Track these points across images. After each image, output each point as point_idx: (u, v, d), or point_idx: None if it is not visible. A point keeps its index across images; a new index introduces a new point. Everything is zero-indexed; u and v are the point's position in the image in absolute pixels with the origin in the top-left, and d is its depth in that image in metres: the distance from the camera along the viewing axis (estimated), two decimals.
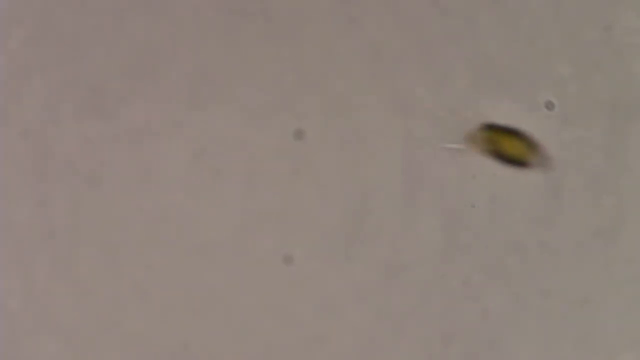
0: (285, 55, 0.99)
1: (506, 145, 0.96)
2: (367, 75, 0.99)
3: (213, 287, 0.98)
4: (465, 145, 0.96)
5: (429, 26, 0.99)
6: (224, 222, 0.98)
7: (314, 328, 0.98)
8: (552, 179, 0.97)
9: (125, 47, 1.00)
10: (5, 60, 1.00)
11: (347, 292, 0.98)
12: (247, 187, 0.98)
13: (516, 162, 0.96)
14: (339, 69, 0.99)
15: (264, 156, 0.98)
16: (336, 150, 0.98)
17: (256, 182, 0.98)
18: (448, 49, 0.99)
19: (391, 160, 0.98)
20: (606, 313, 0.97)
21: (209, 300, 0.98)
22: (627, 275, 0.97)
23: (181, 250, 0.98)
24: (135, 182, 0.99)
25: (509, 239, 0.97)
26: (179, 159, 0.99)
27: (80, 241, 0.98)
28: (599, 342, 0.97)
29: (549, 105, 0.97)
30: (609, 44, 0.98)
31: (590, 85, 0.98)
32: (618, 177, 0.97)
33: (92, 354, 0.98)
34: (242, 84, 0.99)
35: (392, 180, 0.98)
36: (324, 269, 0.98)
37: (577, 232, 0.97)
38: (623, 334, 0.97)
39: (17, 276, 0.98)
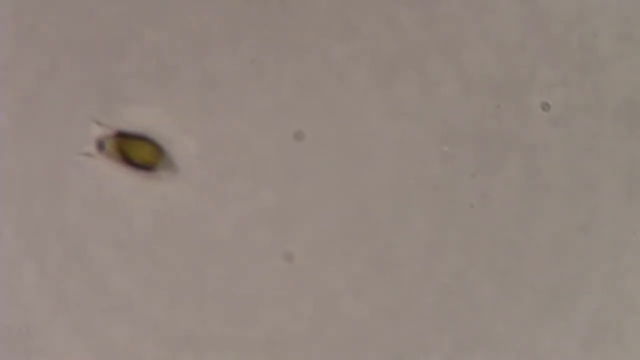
0: (286, 61, 1.00)
1: (134, 151, 0.97)
2: (363, 80, 1.00)
3: (216, 282, 0.99)
4: (96, 152, 0.97)
5: (422, 34, 1.00)
6: (227, 221, 0.99)
7: (313, 321, 0.99)
8: (541, 179, 0.99)
9: (135, 54, 1.00)
10: (18, 68, 1.01)
11: (345, 287, 0.99)
12: (249, 187, 0.99)
13: (144, 167, 0.97)
14: (336, 74, 1.00)
15: (266, 156, 0.99)
16: (334, 150, 0.99)
17: (258, 182, 0.99)
18: (440, 55, 1.00)
19: (387, 161, 0.99)
20: (591, 307, 0.99)
21: (212, 295, 0.99)
22: (609, 269, 0.99)
23: (186, 246, 0.99)
24: (143, 182, 0.99)
25: (500, 236, 0.99)
26: (185, 159, 0.99)
27: (91, 238, 0.99)
28: (586, 335, 0.99)
29: (545, 107, 0.99)
30: (594, 50, 1.00)
31: (576, 90, 0.99)
32: (602, 176, 0.99)
33: (102, 344, 0.99)
34: (245, 89, 1.00)
35: (388, 180, 0.99)
36: (323, 266, 0.99)
37: (564, 228, 0.99)
38: (608, 327, 0.99)
39: (31, 271, 0.99)
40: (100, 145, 0.97)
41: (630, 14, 1.00)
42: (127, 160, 0.97)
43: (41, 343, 0.99)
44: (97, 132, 0.98)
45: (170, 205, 0.99)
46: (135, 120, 0.99)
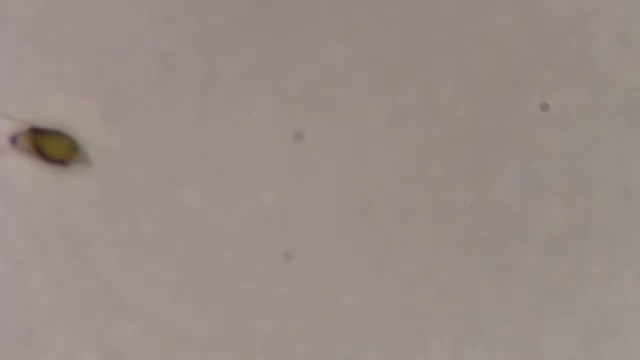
0: (287, 63, 1.00)
1: (49, 146, 0.96)
2: (363, 81, 1.00)
3: (216, 282, 0.99)
4: (9, 146, 0.97)
5: (421, 35, 1.01)
6: (228, 220, 0.99)
7: (313, 320, 0.99)
8: (539, 179, 1.00)
9: (138, 57, 1.01)
10: (23, 68, 1.01)
11: (345, 287, 0.99)
12: (250, 187, 1.00)
13: (58, 162, 0.97)
14: (336, 75, 1.00)
15: (266, 157, 1.00)
16: (334, 151, 1.00)
17: (258, 182, 1.00)
18: (439, 56, 1.01)
19: (387, 161, 1.00)
20: (590, 305, 0.99)
21: (212, 294, 0.99)
22: (607, 268, 1.00)
23: (187, 246, 0.99)
24: (146, 182, 1.00)
25: (499, 236, 0.99)
26: (187, 160, 1.00)
27: (94, 237, 0.99)
28: (584, 333, 0.99)
29: (544, 107, 0.99)
30: (592, 51, 1.01)
31: (574, 90, 1.00)
32: (600, 176, 1.00)
33: (104, 342, 0.99)
34: (246, 90, 1.00)
35: (387, 180, 1.00)
36: (322, 265, 0.99)
37: (562, 228, 1.00)
38: (606, 326, 0.99)
39: (35, 272, 0.99)
40: (14, 141, 0.96)
41: (628, 15, 1.00)
42: (42, 155, 0.96)
43: (43, 343, 0.99)
44: (9, 127, 0.97)
45: (171, 205, 0.99)
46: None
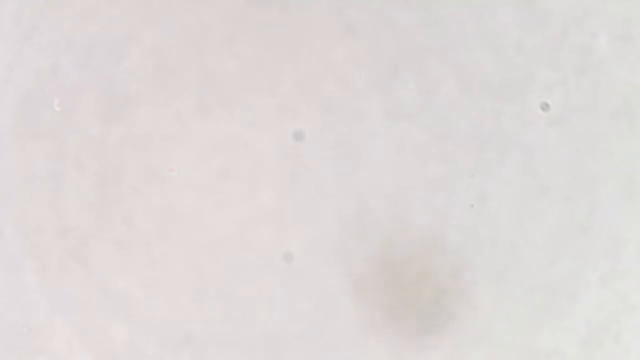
0: (286, 61, 1.01)
1: None
2: (362, 80, 1.01)
3: (216, 282, 0.99)
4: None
5: (420, 36, 1.01)
6: (227, 221, 1.00)
7: (312, 320, 0.99)
8: (540, 179, 1.00)
9: (135, 55, 1.01)
10: (20, 66, 1.01)
11: (344, 287, 0.99)
12: (248, 187, 1.00)
13: None
14: (336, 75, 1.01)
15: (265, 156, 1.00)
16: (334, 150, 1.00)
17: (257, 182, 1.00)
18: (439, 56, 1.01)
19: (387, 161, 1.00)
20: (591, 306, 0.99)
21: (212, 295, 0.99)
22: (608, 269, 1.00)
23: (186, 247, 0.99)
24: (143, 182, 1.00)
25: (499, 236, 0.99)
26: (184, 160, 1.00)
27: (91, 238, 0.99)
28: (585, 335, 0.99)
29: (544, 107, 0.99)
30: (593, 50, 1.01)
31: (575, 90, 1.00)
32: (601, 176, 1.00)
33: (102, 344, 0.99)
34: (245, 89, 1.00)
35: (387, 180, 1.00)
36: (322, 266, 0.99)
37: (563, 228, 1.00)
38: (607, 327, 0.99)
39: (31, 271, 0.99)
40: None
41: (629, 14, 1.01)
42: None
43: (41, 343, 0.99)
44: None
45: (170, 205, 1.00)
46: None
